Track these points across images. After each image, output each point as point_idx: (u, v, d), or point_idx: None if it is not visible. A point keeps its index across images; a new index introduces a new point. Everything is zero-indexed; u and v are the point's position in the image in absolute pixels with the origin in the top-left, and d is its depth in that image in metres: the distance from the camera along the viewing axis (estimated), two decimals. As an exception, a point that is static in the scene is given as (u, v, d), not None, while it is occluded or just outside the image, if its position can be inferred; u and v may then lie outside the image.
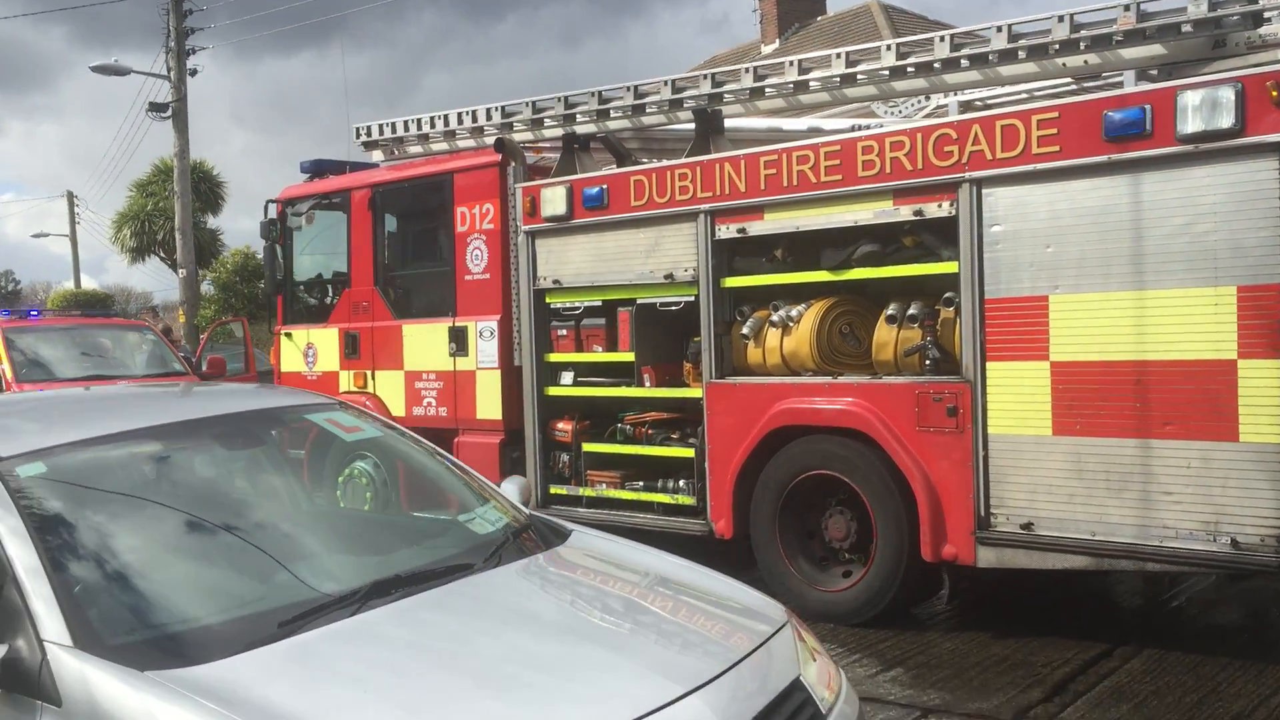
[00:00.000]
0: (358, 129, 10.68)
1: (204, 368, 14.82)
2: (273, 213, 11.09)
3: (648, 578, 4.05)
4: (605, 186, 8.47)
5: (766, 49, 31.44)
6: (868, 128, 8.14)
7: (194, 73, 24.78)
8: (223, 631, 3.34)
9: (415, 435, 4.83)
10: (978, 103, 9.02)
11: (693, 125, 8.73)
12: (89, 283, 48.47)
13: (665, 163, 8.21)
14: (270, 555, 3.84)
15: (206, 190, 35.70)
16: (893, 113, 9.74)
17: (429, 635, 3.40)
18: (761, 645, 3.56)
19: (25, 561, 3.34)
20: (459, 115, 9.77)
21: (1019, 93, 8.86)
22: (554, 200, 8.76)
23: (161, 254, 36.82)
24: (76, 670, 3.10)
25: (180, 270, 24.77)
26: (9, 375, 13.38)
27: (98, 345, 14.68)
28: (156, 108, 24.37)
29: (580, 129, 9.09)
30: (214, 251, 36.18)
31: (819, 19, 32.02)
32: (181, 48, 24.44)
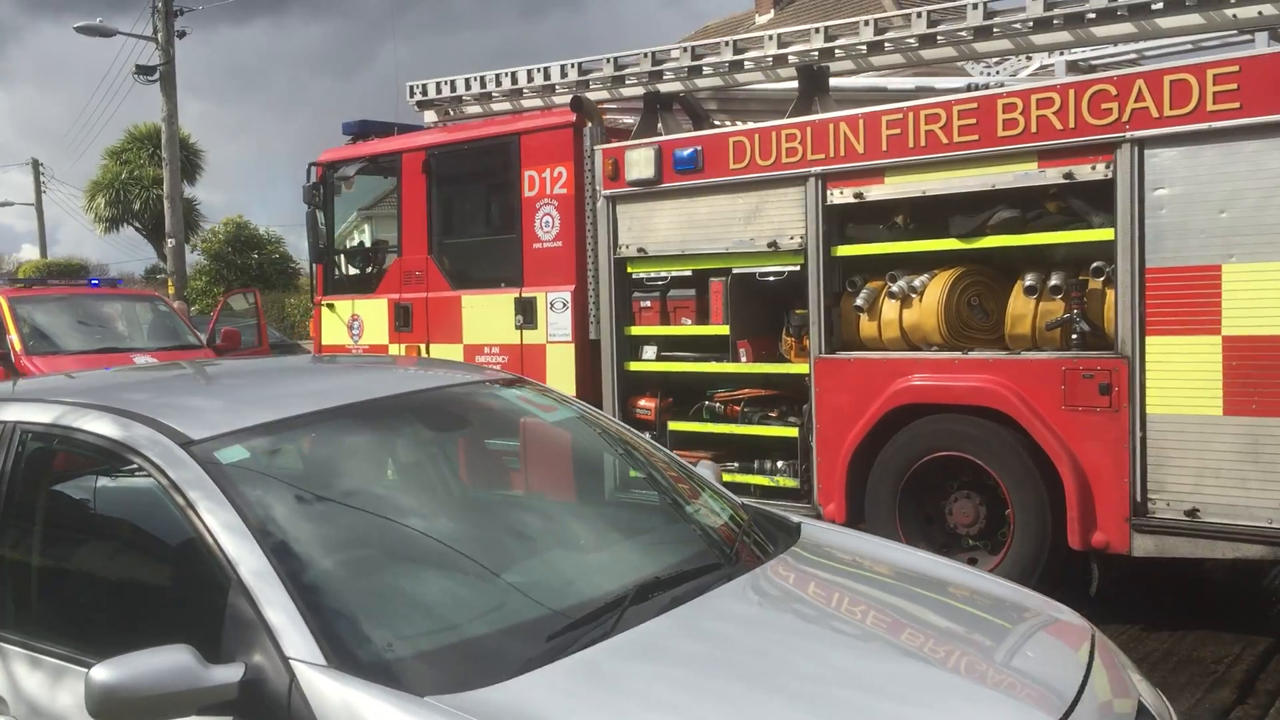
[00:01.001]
0: (411, 87, 10.07)
1: (218, 341, 14.14)
2: (314, 177, 10.44)
3: (922, 579, 3.55)
4: (700, 148, 7.93)
5: (761, 19, 30.90)
6: (986, 87, 7.65)
7: (182, 35, 23.93)
8: (489, 646, 2.82)
9: (608, 415, 4.31)
10: (1081, 64, 8.59)
11: (779, 85, 8.23)
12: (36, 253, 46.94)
13: (770, 123, 7.68)
14: (506, 554, 3.32)
15: (183, 159, 34.69)
16: (987, 74, 9.28)
17: (729, 651, 2.89)
18: (1092, 662, 3.08)
19: (251, 564, 2.81)
20: (528, 73, 9.20)
21: (1126, 53, 8.44)
22: (640, 163, 8.20)
23: (137, 224, 35.88)
24: (338, 695, 2.57)
25: (168, 240, 23.95)
26: (17, 347, 12.65)
27: (108, 316, 13.96)
28: (144, 70, 23.48)
29: (665, 87, 8.53)
30: (191, 222, 35.20)
31: (817, -12, 31.34)
32: (169, 9, 23.55)
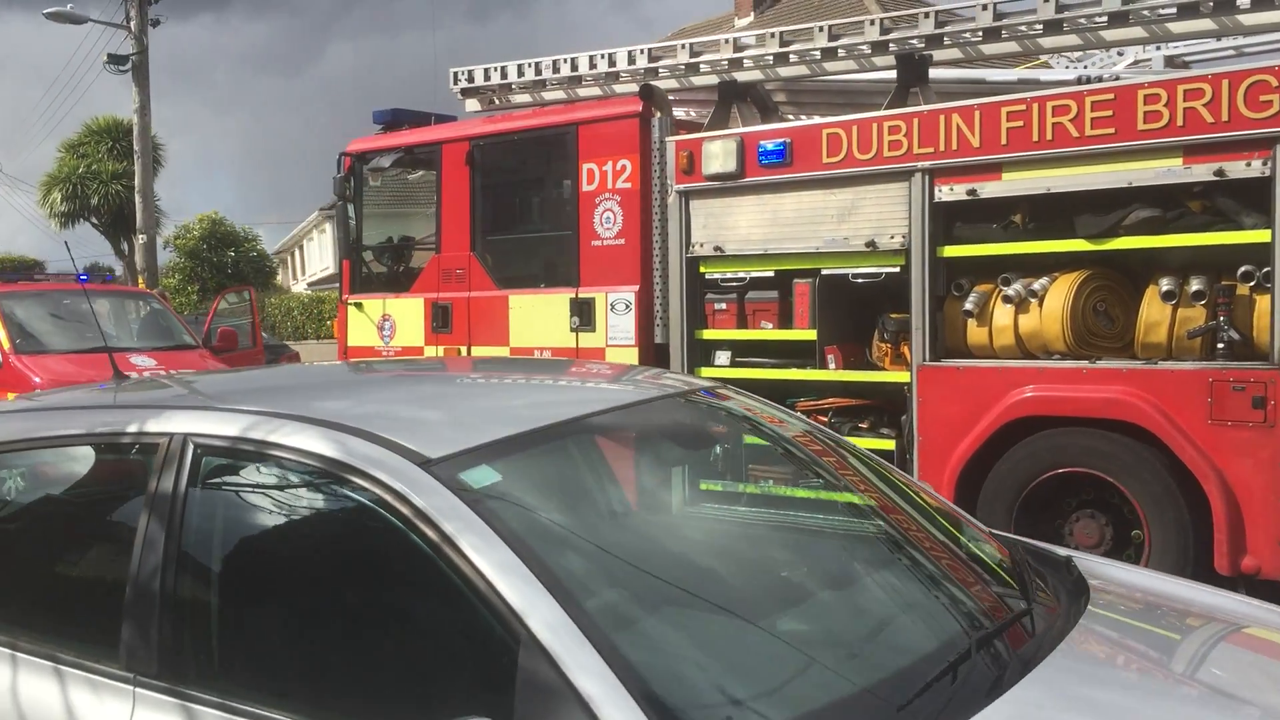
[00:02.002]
0: (455, 73, 9.47)
1: (215, 341, 13.42)
2: (344, 168, 9.79)
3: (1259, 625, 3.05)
4: (788, 141, 7.40)
5: (740, 22, 30.47)
6: (1100, 79, 7.21)
7: (156, 23, 23.05)
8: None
9: (828, 431, 3.78)
10: (1178, 60, 8.20)
11: (866, 76, 7.74)
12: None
13: (869, 114, 7.18)
14: (795, 599, 2.77)
15: (146, 154, 33.57)
16: (1071, 69, 8.85)
17: None
18: None
19: (545, 616, 2.24)
20: (590, 59, 8.63)
21: (1224, 50, 8.06)
22: (720, 156, 7.66)
23: (94, 220, 34.70)
24: None
25: (139, 236, 23.06)
26: (5, 345, 11.85)
27: (98, 314, 13.17)
28: (116, 60, 22.57)
29: (743, 76, 8.01)
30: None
31: (797, -10, 30.84)
32: (144, -4, 22.68)
